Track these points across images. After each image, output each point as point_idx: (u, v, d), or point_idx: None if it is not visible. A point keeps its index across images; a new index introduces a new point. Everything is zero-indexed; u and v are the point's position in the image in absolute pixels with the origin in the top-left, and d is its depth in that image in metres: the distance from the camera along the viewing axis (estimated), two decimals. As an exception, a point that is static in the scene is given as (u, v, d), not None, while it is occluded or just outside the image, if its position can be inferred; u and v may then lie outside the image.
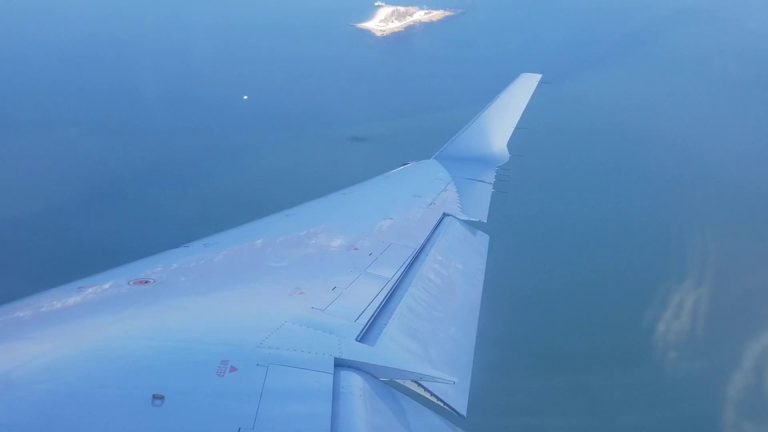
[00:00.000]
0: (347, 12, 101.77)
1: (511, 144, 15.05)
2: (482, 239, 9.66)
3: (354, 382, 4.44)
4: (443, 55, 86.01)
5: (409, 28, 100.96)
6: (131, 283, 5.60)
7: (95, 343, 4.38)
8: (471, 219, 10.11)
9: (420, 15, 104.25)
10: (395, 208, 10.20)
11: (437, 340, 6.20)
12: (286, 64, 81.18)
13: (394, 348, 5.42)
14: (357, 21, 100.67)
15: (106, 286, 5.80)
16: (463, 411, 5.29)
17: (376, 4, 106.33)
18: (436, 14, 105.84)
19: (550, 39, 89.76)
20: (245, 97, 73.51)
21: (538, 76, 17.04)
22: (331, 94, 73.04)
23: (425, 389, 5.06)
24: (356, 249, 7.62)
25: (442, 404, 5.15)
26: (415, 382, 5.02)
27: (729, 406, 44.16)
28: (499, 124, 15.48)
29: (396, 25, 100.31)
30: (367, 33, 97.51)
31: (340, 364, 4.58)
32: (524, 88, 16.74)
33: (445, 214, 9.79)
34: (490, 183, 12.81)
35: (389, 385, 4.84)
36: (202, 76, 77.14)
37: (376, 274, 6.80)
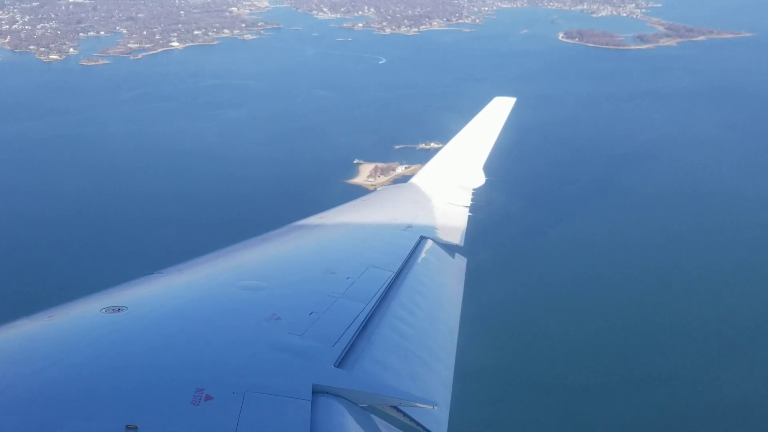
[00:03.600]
0: (330, 169, 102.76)
1: (487, 167, 15.12)
2: (459, 262, 9.65)
3: (332, 408, 4.34)
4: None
5: (396, 182, 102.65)
6: (104, 310, 5.38)
7: (67, 373, 4.21)
8: (448, 242, 10.07)
9: (401, 169, 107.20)
10: (372, 232, 10.19)
11: (416, 365, 6.08)
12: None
13: (372, 373, 5.30)
14: (345, 178, 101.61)
15: (78, 314, 5.63)
16: None
17: (354, 161, 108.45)
18: (415, 168, 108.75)
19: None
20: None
21: (512, 100, 17.12)
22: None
23: (405, 414, 4.95)
24: (333, 273, 7.55)
25: (421, 430, 5.02)
26: (395, 407, 4.92)
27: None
28: (474, 147, 15.58)
29: (383, 180, 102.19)
30: (361, 188, 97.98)
31: (318, 391, 4.44)
32: (498, 111, 16.83)
33: (422, 238, 9.72)
34: (467, 206, 12.74)
35: (368, 410, 4.74)
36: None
37: (354, 298, 6.69)
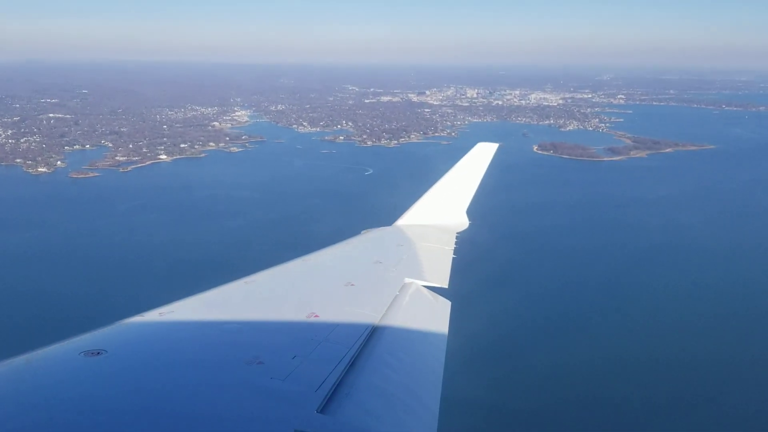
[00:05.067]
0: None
1: (470, 211, 15.53)
2: (444, 305, 9.63)
3: None
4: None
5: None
6: (83, 354, 5.36)
7: (44, 418, 4.13)
8: (432, 285, 10.14)
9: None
10: (356, 275, 10.16)
11: (400, 410, 6.09)
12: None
13: (356, 419, 5.28)
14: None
15: (57, 357, 5.51)
16: None
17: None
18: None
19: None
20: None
21: (495, 146, 18.13)
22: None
23: None
24: (317, 316, 7.54)
25: None
26: None
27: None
28: (458, 191, 16.01)
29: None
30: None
31: None
32: (481, 157, 17.58)
33: (406, 281, 9.87)
34: (451, 249, 12.96)
35: None
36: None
37: (338, 341, 6.73)
